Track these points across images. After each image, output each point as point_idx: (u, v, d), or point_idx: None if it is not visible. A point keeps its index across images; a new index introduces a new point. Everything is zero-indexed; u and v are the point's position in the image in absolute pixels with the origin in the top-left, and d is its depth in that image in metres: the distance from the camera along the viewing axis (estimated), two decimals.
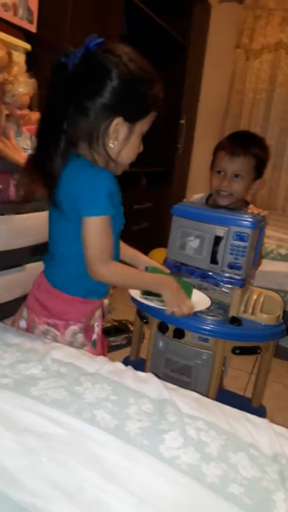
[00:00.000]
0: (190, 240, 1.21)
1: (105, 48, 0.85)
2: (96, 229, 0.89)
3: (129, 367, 0.88)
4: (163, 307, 1.03)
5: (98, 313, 1.05)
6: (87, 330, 1.02)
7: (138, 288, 1.09)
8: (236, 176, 1.27)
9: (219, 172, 1.29)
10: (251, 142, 1.29)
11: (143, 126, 0.92)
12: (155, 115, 0.94)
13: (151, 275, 1.10)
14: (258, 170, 1.29)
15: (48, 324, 0.98)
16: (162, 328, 1.23)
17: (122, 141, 0.90)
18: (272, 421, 0.78)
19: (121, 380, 0.79)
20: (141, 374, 0.85)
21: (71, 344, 0.99)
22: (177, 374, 1.27)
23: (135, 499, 0.55)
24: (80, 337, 1.01)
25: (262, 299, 1.31)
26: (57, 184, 0.90)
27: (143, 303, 1.10)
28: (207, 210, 1.27)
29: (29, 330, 1.01)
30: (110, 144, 0.89)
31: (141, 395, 0.76)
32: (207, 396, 1.13)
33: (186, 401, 0.76)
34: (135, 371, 0.86)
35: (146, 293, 1.08)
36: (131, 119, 0.89)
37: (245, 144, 1.27)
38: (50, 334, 0.99)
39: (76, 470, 0.58)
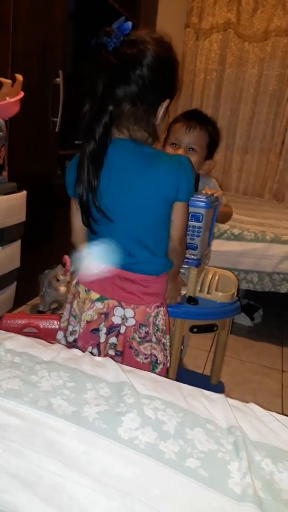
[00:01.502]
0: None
1: (140, 33, 0.89)
2: (187, 209, 1.01)
3: (87, 352, 0.88)
4: None
5: None
6: None
7: (178, 266, 1.14)
8: (190, 149, 1.27)
9: (173, 144, 1.29)
10: (206, 120, 1.31)
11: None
12: None
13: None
14: (210, 150, 1.30)
15: (157, 306, 1.06)
16: None
17: (162, 120, 0.95)
18: (230, 396, 0.81)
19: (78, 366, 0.79)
20: (98, 359, 0.85)
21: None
22: None
23: (94, 482, 0.55)
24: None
25: (217, 278, 1.34)
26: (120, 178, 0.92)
27: None
28: None
29: (139, 323, 1.03)
30: (157, 123, 0.94)
31: (99, 379, 0.76)
32: (167, 375, 1.15)
33: (143, 382, 0.77)
34: (92, 356, 0.86)
35: None
36: (172, 99, 0.95)
37: (201, 120, 1.28)
38: (159, 313, 1.06)
39: (33, 459, 0.57)
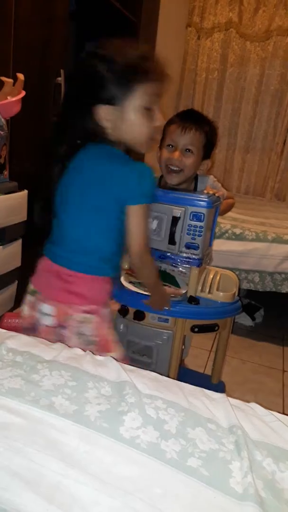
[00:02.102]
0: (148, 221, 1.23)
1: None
2: (144, 217, 0.95)
3: (88, 351, 0.88)
4: (146, 293, 1.16)
5: None
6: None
7: (148, 282, 1.12)
8: (187, 150, 1.26)
9: (169, 146, 1.28)
10: (202, 120, 1.30)
11: (136, 101, 0.90)
12: (157, 84, 0.93)
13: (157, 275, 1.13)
14: (207, 150, 1.29)
15: (85, 311, 0.98)
16: (122, 311, 1.24)
17: (117, 123, 0.92)
18: (231, 395, 0.81)
19: (79, 366, 0.79)
20: (99, 358, 0.85)
21: (109, 324, 1.04)
22: (138, 356, 1.29)
23: (95, 481, 0.55)
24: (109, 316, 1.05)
25: (218, 277, 1.34)
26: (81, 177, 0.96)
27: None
28: (164, 191, 1.27)
29: (59, 324, 0.99)
30: (108, 130, 0.93)
31: (100, 378, 0.76)
32: (168, 375, 1.15)
33: (145, 381, 0.77)
34: (93, 355, 0.86)
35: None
36: (112, 102, 0.90)
37: (197, 120, 1.27)
38: (87, 321, 0.98)
39: (35, 458, 0.57)
